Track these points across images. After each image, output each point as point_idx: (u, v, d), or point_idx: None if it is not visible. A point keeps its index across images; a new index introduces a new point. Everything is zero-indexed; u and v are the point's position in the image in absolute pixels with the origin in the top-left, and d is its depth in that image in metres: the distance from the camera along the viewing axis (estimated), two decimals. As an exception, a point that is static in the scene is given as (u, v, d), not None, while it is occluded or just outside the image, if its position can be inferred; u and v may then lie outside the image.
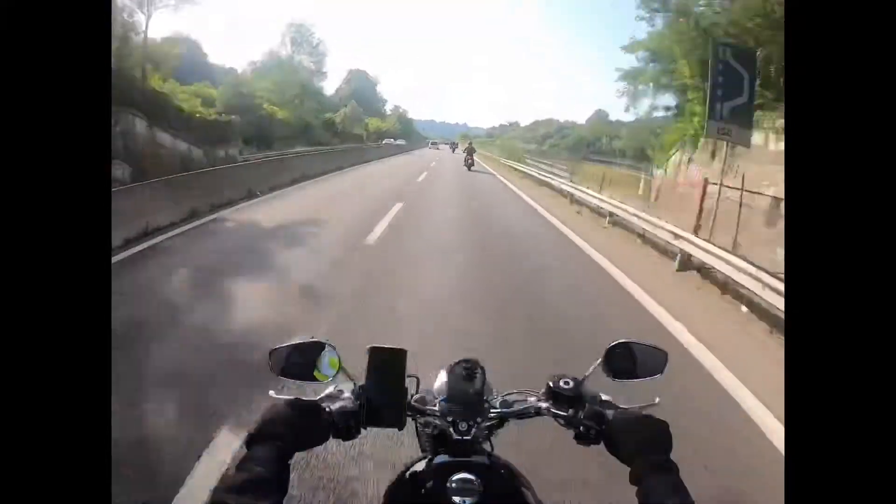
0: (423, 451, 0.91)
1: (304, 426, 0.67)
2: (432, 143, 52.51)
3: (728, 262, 4.51)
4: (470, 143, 22.15)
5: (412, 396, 0.83)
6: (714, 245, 5.01)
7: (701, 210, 6.07)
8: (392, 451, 1.89)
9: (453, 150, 41.17)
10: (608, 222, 8.46)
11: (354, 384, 0.78)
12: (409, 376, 0.85)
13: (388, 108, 63.03)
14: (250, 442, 0.63)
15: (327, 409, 0.73)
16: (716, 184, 5.91)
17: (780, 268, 3.80)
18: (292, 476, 0.64)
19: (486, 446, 0.86)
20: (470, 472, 0.71)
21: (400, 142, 42.84)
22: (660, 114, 11.35)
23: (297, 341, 0.81)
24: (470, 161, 18.89)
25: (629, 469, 0.66)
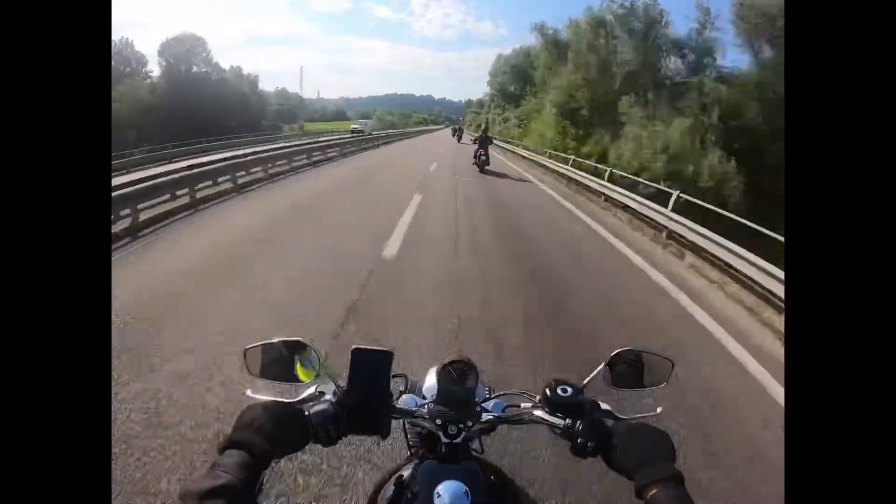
0: (410, 451, 0.87)
1: (282, 432, 0.64)
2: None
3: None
4: (485, 131, 16.27)
5: (400, 395, 0.79)
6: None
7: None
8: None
9: (458, 138, 29.52)
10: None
11: (336, 386, 0.73)
12: (398, 376, 0.81)
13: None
14: (224, 448, 0.59)
15: (306, 413, 0.69)
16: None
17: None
18: (271, 477, 0.60)
19: (476, 447, 0.83)
20: (458, 479, 0.68)
21: None
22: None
23: (275, 340, 0.77)
24: (483, 157, 13.65)
25: (630, 480, 0.62)
